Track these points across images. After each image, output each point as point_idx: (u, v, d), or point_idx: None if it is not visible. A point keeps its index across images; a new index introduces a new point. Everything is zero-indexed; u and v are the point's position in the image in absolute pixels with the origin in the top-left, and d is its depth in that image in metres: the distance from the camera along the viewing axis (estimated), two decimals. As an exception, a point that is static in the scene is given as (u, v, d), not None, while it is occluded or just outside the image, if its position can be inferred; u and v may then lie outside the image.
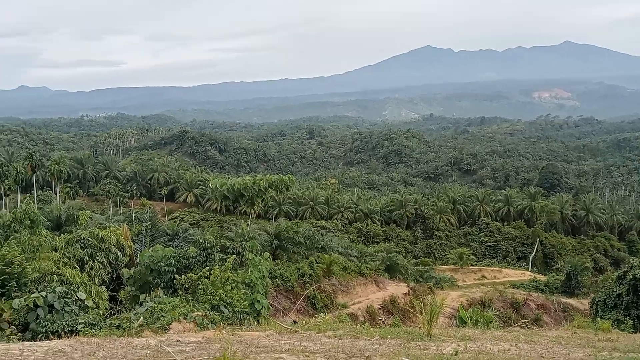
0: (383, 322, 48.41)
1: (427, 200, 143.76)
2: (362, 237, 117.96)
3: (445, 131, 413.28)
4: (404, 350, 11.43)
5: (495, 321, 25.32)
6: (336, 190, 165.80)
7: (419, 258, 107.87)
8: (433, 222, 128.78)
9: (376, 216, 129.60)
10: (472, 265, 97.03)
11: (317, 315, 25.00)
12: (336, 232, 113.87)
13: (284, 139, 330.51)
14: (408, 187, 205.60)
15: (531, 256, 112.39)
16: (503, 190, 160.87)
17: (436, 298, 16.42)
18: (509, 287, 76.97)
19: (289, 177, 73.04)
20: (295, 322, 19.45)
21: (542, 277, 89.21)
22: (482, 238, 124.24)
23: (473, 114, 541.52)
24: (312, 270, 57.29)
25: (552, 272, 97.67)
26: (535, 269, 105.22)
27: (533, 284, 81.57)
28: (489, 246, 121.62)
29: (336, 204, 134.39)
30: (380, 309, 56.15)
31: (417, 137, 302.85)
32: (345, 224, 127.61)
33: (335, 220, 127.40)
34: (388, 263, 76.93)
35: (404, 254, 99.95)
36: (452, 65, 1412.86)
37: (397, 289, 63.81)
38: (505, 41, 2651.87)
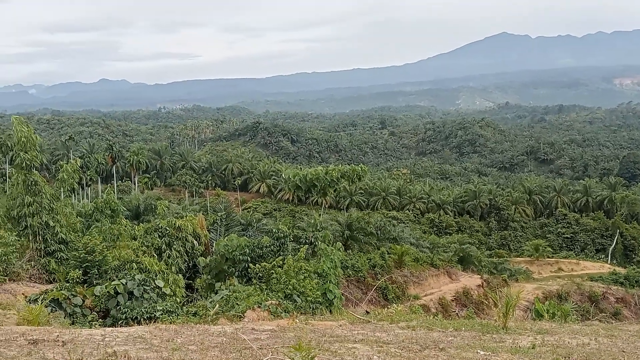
0: (456, 314, 47.93)
1: (501, 190, 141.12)
2: (435, 228, 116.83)
3: (521, 120, 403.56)
4: (479, 343, 11.29)
5: (573, 315, 24.67)
6: (408, 180, 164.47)
7: (493, 250, 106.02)
8: (508, 213, 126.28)
9: (449, 207, 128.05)
10: (548, 257, 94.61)
11: (389, 306, 24.95)
12: (408, 222, 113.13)
13: (355, 129, 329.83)
14: (482, 177, 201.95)
15: (610, 248, 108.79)
16: (581, 181, 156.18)
17: (511, 290, 16.14)
18: (587, 280, 74.73)
19: (361, 168, 72.98)
20: (367, 312, 19.46)
21: (622, 270, 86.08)
22: (559, 229, 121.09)
23: (550, 102, 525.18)
24: (383, 261, 57.22)
25: (632, 265, 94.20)
26: (614, 262, 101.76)
27: (612, 276, 78.83)
28: (567, 238, 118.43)
29: (408, 195, 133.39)
30: (453, 300, 55.61)
31: (491, 126, 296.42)
32: (417, 214, 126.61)
33: (407, 211, 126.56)
34: (461, 254, 75.96)
35: (477, 246, 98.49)
36: (529, 51, 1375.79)
37: (470, 280, 63.02)
38: (585, 26, 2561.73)
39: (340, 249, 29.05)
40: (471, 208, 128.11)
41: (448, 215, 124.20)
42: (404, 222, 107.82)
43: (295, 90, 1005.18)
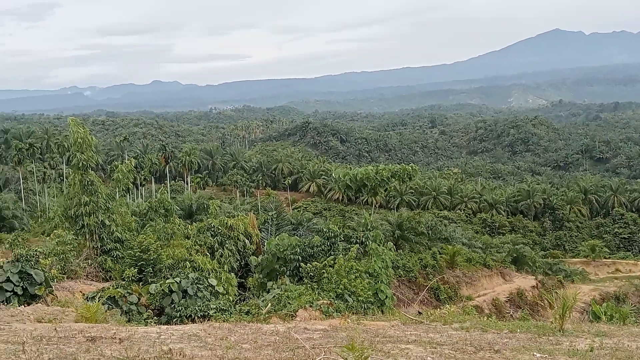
0: (510, 315, 47.21)
1: (556, 190, 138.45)
2: (487, 228, 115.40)
3: (575, 118, 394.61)
4: (535, 345, 11.06)
5: (632, 317, 23.98)
6: (459, 180, 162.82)
7: (548, 250, 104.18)
8: (563, 213, 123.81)
9: (502, 206, 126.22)
10: (605, 258, 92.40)
11: (441, 307, 24.71)
12: (459, 222, 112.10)
13: (405, 128, 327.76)
14: (535, 176, 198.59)
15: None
16: (639, 180, 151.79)
17: (567, 292, 15.78)
18: (646, 281, 72.63)
19: (411, 167, 72.28)
20: (420, 313, 19.30)
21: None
22: (616, 230, 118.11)
23: (605, 100, 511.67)
24: (435, 261, 56.73)
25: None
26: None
27: (673, 278, 76.47)
28: (624, 238, 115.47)
29: (459, 194, 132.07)
30: (506, 301, 54.83)
31: (545, 124, 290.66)
32: (469, 214, 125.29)
33: (459, 211, 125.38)
34: (514, 255, 74.74)
35: (531, 246, 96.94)
36: (583, 48, 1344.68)
37: (524, 281, 62.01)
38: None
39: (392, 248, 28.89)
40: (525, 208, 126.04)
41: (501, 215, 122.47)
42: (455, 222, 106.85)
43: (344, 89, 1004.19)
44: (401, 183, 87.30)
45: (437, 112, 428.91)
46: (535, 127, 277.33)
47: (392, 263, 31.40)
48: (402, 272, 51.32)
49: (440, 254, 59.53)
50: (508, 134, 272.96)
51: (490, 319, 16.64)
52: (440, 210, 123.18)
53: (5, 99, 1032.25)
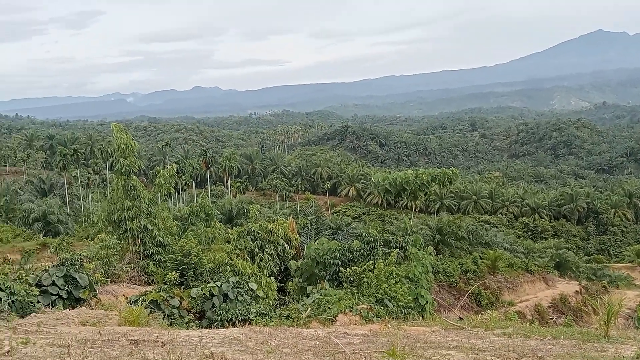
0: (554, 321, 46.45)
1: (600, 193, 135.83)
2: (529, 233, 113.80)
3: (619, 120, 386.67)
4: (580, 352, 10.85)
5: (680, 325, 23.38)
6: (500, 183, 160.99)
7: (592, 255, 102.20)
8: (607, 217, 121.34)
9: (544, 211, 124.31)
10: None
11: (482, 313, 24.42)
12: (501, 227, 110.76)
13: (445, 131, 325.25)
14: (579, 180, 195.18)
15: None
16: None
17: (612, 297, 15.45)
18: (695, 287, 70.76)
19: (452, 171, 71.63)
20: (461, 318, 19.13)
21: None
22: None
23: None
24: (476, 266, 56.15)
25: None
26: None
27: None
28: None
29: (500, 198, 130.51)
30: (549, 307, 53.93)
31: (588, 127, 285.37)
32: (511, 218, 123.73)
33: (500, 215, 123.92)
34: (557, 260, 73.52)
35: (574, 251, 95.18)
36: (627, 49, 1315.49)
37: (567, 287, 60.90)
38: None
39: (432, 253, 28.70)
40: (568, 212, 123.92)
41: (543, 220, 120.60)
42: (496, 227, 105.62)
43: (383, 93, 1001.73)
44: (441, 187, 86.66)
45: (477, 115, 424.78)
46: (579, 130, 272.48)
47: (433, 268, 31.20)
48: (442, 277, 50.90)
49: (481, 258, 58.86)
50: (550, 137, 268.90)
51: (533, 325, 16.41)
52: (481, 215, 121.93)
53: (50, 106, 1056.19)
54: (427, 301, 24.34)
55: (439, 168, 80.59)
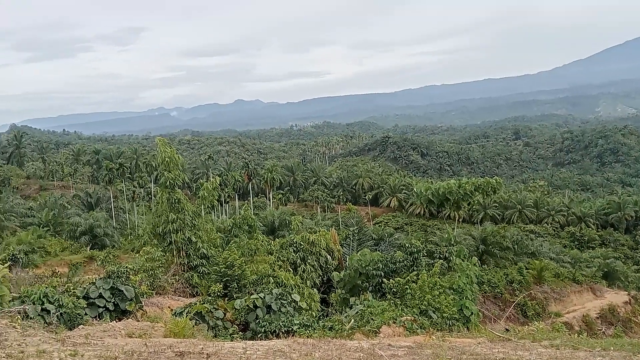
0: (602, 332, 45.36)
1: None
2: (576, 242, 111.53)
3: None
4: (631, 365, 10.61)
5: None
6: (545, 192, 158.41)
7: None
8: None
9: (591, 219, 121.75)
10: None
11: (529, 324, 24.00)
12: (546, 236, 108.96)
13: (487, 140, 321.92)
14: (626, 187, 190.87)
15: None
16: None
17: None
18: None
19: (496, 180, 70.89)
20: (507, 330, 18.81)
21: None
22: None
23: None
24: (521, 277, 55.32)
25: None
26: None
27: None
28: None
29: (546, 207, 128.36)
30: (597, 318, 52.67)
31: (635, 134, 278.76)
32: (556, 228, 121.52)
33: (545, 225, 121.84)
34: (605, 269, 71.90)
35: (623, 260, 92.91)
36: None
37: (616, 297, 59.41)
38: None
39: (476, 264, 28.31)
40: (615, 220, 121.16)
41: (590, 229, 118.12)
42: (542, 236, 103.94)
43: (424, 103, 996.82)
44: (485, 197, 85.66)
45: (521, 123, 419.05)
46: (625, 137, 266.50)
47: (477, 278, 30.80)
48: (487, 288, 50.25)
49: (526, 269, 57.91)
50: (596, 144, 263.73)
51: (581, 336, 16.07)
52: (526, 224, 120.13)
53: (97, 121, 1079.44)
54: (472, 312, 24.00)
55: (482, 177, 79.76)
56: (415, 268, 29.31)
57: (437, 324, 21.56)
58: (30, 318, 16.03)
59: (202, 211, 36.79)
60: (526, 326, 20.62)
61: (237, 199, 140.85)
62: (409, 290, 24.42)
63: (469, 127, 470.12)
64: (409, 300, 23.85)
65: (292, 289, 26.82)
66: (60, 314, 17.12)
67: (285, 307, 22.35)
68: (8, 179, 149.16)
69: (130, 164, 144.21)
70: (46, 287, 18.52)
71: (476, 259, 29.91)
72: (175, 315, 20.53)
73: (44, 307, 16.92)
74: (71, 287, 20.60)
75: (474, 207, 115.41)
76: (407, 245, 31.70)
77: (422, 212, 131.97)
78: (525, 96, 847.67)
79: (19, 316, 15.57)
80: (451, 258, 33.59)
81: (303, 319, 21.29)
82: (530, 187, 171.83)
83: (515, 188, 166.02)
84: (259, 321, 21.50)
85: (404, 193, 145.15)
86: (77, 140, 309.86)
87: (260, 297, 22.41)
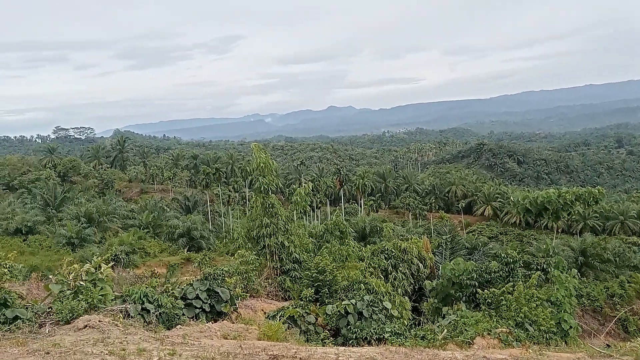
0: None
1: None
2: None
3: None
4: None
5: None
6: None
7: None
8: None
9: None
10: None
11: (631, 340, 22.90)
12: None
13: (588, 148, 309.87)
14: None
15: None
16: None
17: None
18: None
19: (598, 190, 68.22)
20: (608, 345, 18.03)
21: None
22: None
23: None
24: (622, 291, 52.99)
25: None
26: None
27: None
28: None
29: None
30: None
31: None
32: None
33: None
34: None
35: None
36: None
37: None
38: None
39: (575, 276, 27.30)
40: None
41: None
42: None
43: (521, 109, 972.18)
44: (586, 207, 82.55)
45: (624, 131, 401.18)
46: None
47: (576, 291, 29.70)
48: (586, 302, 48.45)
49: (628, 282, 55.37)
50: None
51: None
52: (629, 236, 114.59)
53: (195, 127, 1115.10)
54: (570, 326, 23.17)
55: (582, 187, 76.97)
56: (511, 279, 28.57)
57: (534, 337, 20.94)
58: (131, 317, 16.66)
59: (295, 216, 37.22)
60: (628, 342, 19.70)
61: (328, 205, 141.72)
62: (504, 302, 23.83)
63: (568, 134, 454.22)
64: (504, 312, 23.27)
65: (384, 296, 26.69)
66: (159, 313, 17.69)
67: (376, 314, 22.29)
68: (112, 182, 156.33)
69: (226, 168, 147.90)
70: (146, 287, 19.20)
71: (575, 271, 28.83)
72: (269, 319, 20.87)
73: (144, 306, 17.53)
74: (169, 288, 21.28)
75: (573, 217, 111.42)
76: (502, 255, 30.94)
77: (517, 221, 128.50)
78: (629, 102, 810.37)
79: (120, 315, 16.23)
80: (549, 269, 32.54)
81: (395, 326, 21.16)
82: (634, 197, 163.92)
83: (617, 198, 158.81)
84: (350, 327, 21.53)
85: (499, 201, 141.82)
86: (176, 145, 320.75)
87: (352, 304, 22.44)
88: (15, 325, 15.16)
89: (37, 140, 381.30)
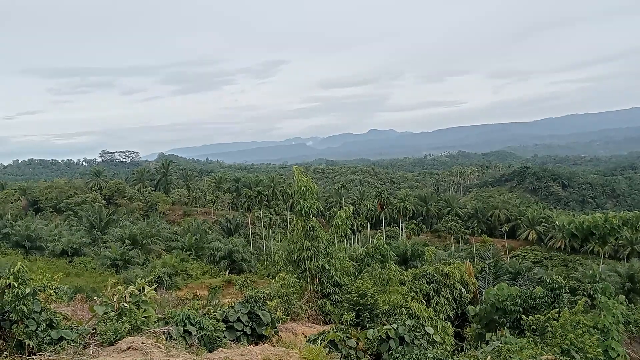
0: None
1: None
2: None
3: None
4: None
5: None
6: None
7: None
8: None
9: None
10: None
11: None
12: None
13: (635, 172, 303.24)
14: None
15: None
16: None
17: None
18: None
19: (645, 214, 66.57)
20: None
21: None
22: None
23: None
24: (673, 318, 51.25)
25: None
26: None
27: None
28: None
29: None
30: None
31: None
32: None
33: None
34: None
35: None
36: None
37: None
38: None
39: (623, 302, 26.58)
40: None
41: None
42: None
43: (566, 132, 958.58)
44: (633, 232, 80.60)
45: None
46: None
47: (624, 318, 28.93)
48: (633, 329, 46.92)
49: (680, 310, 53.65)
50: None
51: None
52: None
53: (237, 151, 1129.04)
54: (618, 354, 22.52)
55: (629, 211, 75.22)
56: (556, 305, 27.93)
57: (581, 365, 20.41)
58: (173, 339, 16.80)
59: (336, 239, 37.13)
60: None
61: (369, 228, 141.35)
62: (549, 328, 23.33)
63: (614, 157, 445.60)
64: (550, 339, 22.78)
65: (425, 321, 26.35)
66: (201, 336, 17.79)
67: (418, 339, 22.02)
68: (155, 204, 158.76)
69: (268, 191, 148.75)
70: (188, 310, 19.36)
71: (623, 297, 28.07)
72: (310, 342, 20.78)
73: (186, 328, 17.66)
74: (211, 310, 21.39)
75: (620, 242, 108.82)
76: (547, 280, 30.28)
77: (562, 246, 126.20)
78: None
79: (163, 337, 16.38)
80: (595, 296, 31.79)
81: (437, 352, 20.84)
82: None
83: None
84: (391, 352, 21.29)
85: (543, 226, 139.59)
86: (218, 169, 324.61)
87: (393, 328, 22.21)
88: (60, 346, 15.46)
89: (84, 163, 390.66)
